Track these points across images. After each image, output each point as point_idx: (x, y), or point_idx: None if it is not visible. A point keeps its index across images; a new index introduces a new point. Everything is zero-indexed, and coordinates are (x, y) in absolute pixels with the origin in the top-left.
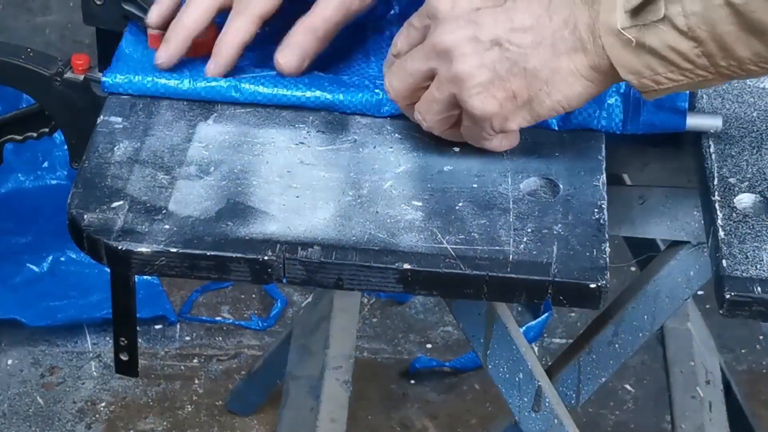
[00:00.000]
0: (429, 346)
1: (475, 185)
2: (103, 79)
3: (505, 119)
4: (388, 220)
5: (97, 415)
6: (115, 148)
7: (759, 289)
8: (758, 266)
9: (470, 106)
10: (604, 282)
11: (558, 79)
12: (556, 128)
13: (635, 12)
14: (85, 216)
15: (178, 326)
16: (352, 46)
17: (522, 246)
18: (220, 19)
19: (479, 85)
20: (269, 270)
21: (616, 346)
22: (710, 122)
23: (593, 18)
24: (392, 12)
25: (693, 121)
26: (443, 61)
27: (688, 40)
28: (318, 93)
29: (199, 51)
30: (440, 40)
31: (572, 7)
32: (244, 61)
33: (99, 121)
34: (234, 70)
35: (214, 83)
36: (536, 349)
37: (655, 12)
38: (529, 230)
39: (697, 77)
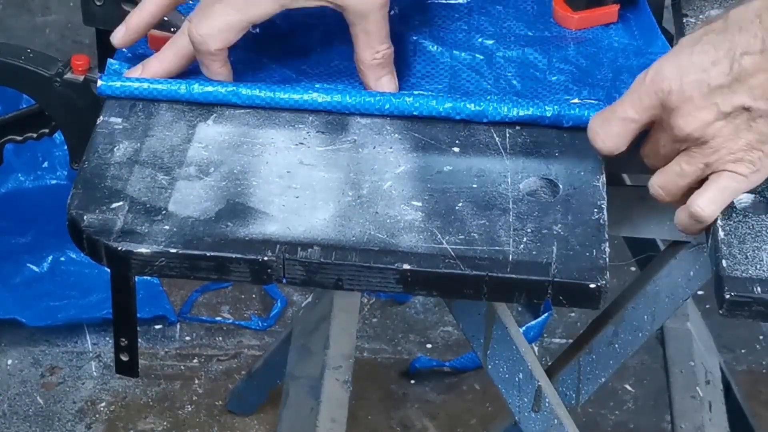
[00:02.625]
0: (429, 346)
1: (474, 185)
2: (99, 83)
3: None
4: (388, 221)
5: (97, 415)
6: (115, 149)
7: (759, 289)
8: (758, 266)
9: (731, 171)
10: (604, 282)
11: None
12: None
13: None
14: (85, 217)
15: (178, 326)
16: (350, 47)
17: (522, 246)
18: None
19: (740, 153)
20: (269, 270)
21: (616, 346)
22: None
23: None
24: (392, 12)
25: None
26: (698, 145)
27: None
28: (316, 95)
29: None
30: (689, 131)
31: None
32: (242, 64)
33: (99, 121)
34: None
35: (210, 88)
36: (536, 349)
37: None
38: (529, 230)
39: None
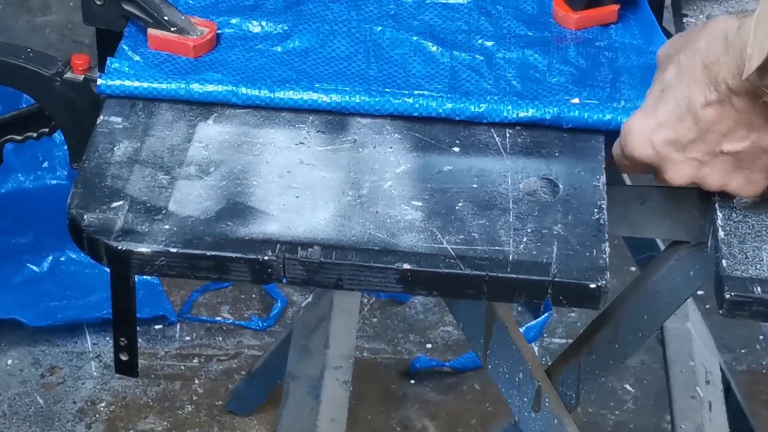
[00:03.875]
0: (429, 346)
1: (475, 185)
2: (99, 82)
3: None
4: (388, 220)
5: (97, 415)
6: (115, 148)
7: (759, 289)
8: (758, 266)
9: (743, 195)
10: (604, 282)
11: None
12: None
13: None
14: (85, 216)
15: (178, 326)
16: (350, 47)
17: (522, 246)
18: (219, 17)
19: (739, 183)
20: (269, 270)
21: (616, 346)
22: None
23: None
24: (391, 13)
25: None
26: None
27: None
28: (316, 96)
29: (197, 52)
30: (677, 184)
31: (747, 90)
32: (242, 63)
33: (99, 121)
34: (231, 75)
35: (210, 87)
36: (536, 349)
37: None
38: (529, 230)
39: None
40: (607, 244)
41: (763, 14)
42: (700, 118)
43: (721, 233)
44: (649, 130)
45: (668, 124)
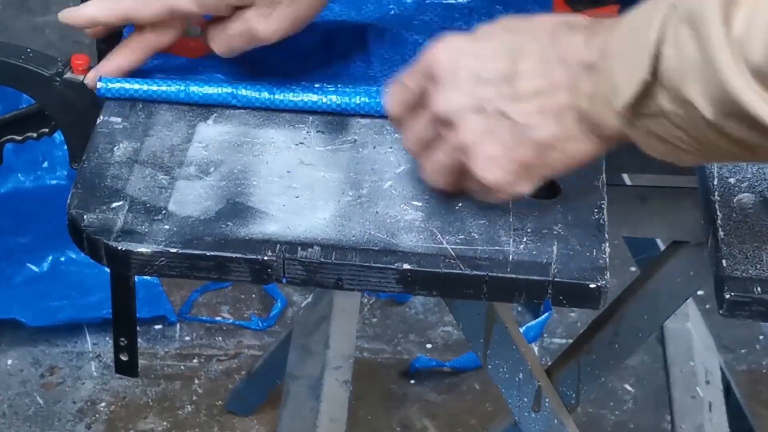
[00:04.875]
0: (429, 346)
1: None
2: (98, 85)
3: (515, 185)
4: (388, 220)
5: (97, 415)
6: (115, 149)
7: (759, 289)
8: (758, 266)
9: (480, 177)
10: (604, 282)
11: (567, 145)
12: None
13: (633, 106)
14: (85, 216)
15: (178, 326)
16: (350, 47)
17: (522, 246)
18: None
19: (488, 158)
20: (269, 270)
21: (616, 346)
22: None
23: (596, 94)
24: (391, 13)
25: None
26: (449, 130)
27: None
28: (315, 97)
29: (194, 53)
30: (443, 110)
31: (574, 78)
32: (242, 64)
33: (99, 121)
34: (231, 75)
35: (209, 89)
36: (536, 349)
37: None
38: (529, 230)
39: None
40: (607, 244)
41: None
42: (513, 65)
43: (721, 233)
44: (462, 50)
45: (482, 56)
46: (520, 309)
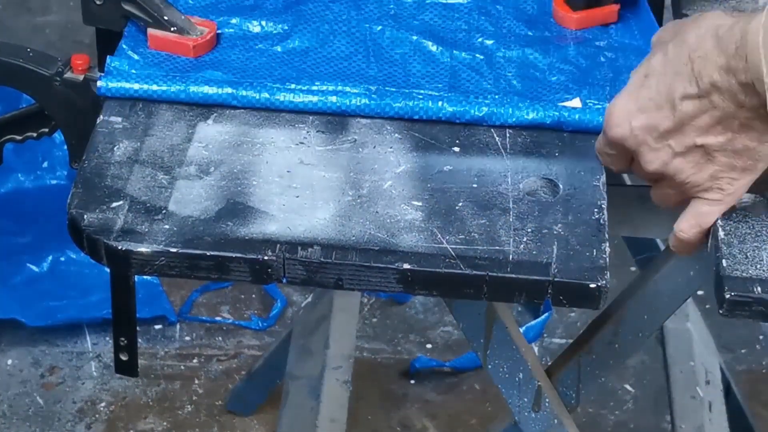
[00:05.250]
0: (429, 346)
1: (475, 185)
2: (99, 83)
3: (741, 190)
4: (388, 220)
5: (97, 415)
6: (115, 148)
7: (759, 289)
8: (758, 266)
9: (711, 201)
10: (604, 282)
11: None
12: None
13: None
14: (85, 216)
15: (178, 326)
16: (350, 47)
17: (522, 246)
18: (219, 17)
19: (711, 181)
20: (269, 270)
21: (616, 346)
22: None
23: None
24: (391, 13)
25: None
26: (666, 180)
27: None
28: (315, 98)
29: (197, 52)
30: (651, 171)
31: (729, 90)
32: (242, 63)
33: (99, 121)
34: (231, 75)
35: (209, 89)
36: (536, 349)
37: None
38: (529, 230)
39: None
40: (607, 244)
41: None
42: (677, 109)
43: (721, 233)
44: (628, 113)
45: (647, 110)
46: (520, 309)
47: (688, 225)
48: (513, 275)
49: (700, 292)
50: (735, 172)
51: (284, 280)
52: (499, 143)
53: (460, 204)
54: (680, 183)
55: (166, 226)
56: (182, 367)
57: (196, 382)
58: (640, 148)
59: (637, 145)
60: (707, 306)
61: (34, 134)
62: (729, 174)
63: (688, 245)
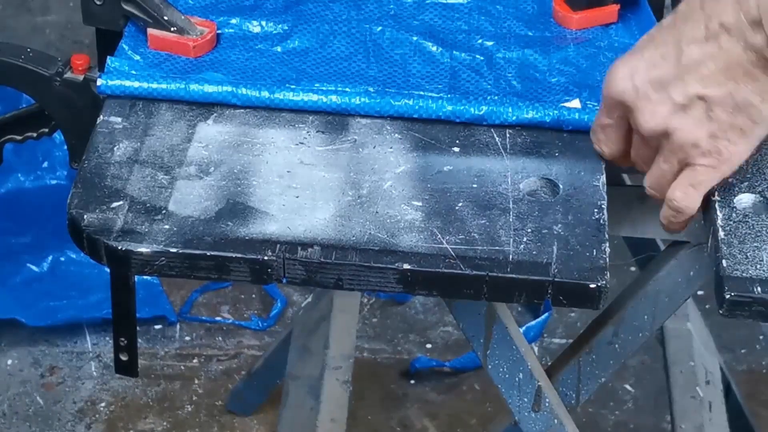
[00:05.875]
0: (429, 346)
1: (475, 185)
2: (99, 82)
3: (741, 151)
4: (388, 220)
5: (97, 415)
6: (115, 148)
7: (759, 289)
8: (758, 266)
9: (708, 158)
10: (604, 282)
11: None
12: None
13: None
14: (85, 216)
15: (178, 326)
16: (350, 47)
17: (522, 246)
18: (219, 17)
19: (710, 139)
20: (269, 270)
21: (616, 346)
22: None
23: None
24: (391, 13)
25: None
26: (666, 139)
27: None
28: (315, 97)
29: (197, 52)
30: (651, 127)
31: (738, 28)
32: (242, 63)
33: (99, 121)
34: (231, 75)
35: (209, 88)
36: (536, 349)
37: None
38: (529, 230)
39: None
40: (607, 244)
41: None
42: (684, 54)
43: (721, 233)
44: (631, 68)
45: (652, 61)
46: (520, 309)
47: (683, 192)
48: (513, 275)
49: (700, 292)
50: (734, 133)
51: (284, 281)
52: (499, 143)
53: (460, 204)
54: (678, 146)
55: (166, 226)
56: (182, 367)
57: (196, 382)
58: (639, 103)
59: (637, 99)
60: (707, 306)
61: (34, 134)
62: (727, 134)
63: (680, 216)
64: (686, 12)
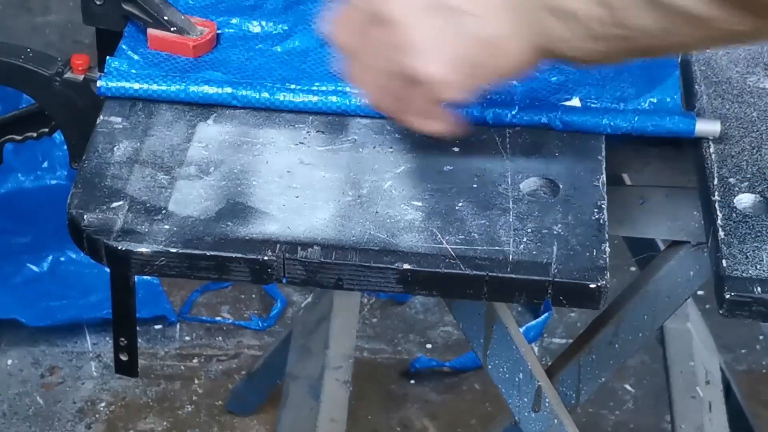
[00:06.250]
0: (429, 346)
1: (475, 185)
2: (99, 83)
3: (459, 85)
4: (388, 220)
5: (97, 415)
6: (115, 148)
7: (759, 289)
8: (758, 266)
9: (424, 72)
10: (604, 282)
11: (509, 44)
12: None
13: None
14: (85, 216)
15: (178, 326)
16: None
17: (522, 246)
18: (219, 17)
19: (434, 52)
20: (269, 270)
21: (616, 346)
22: (708, 128)
23: None
24: None
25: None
26: (388, 29)
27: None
28: (315, 98)
29: (197, 52)
30: (387, 7)
31: None
32: (242, 63)
33: (99, 121)
34: (231, 75)
35: (208, 89)
36: (536, 349)
37: None
38: (529, 230)
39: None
40: (607, 244)
41: None
42: None
43: (721, 233)
44: None
45: None
46: (520, 309)
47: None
48: (513, 275)
49: (700, 292)
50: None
51: (284, 280)
52: (498, 143)
53: (460, 204)
54: (403, 40)
55: (166, 226)
56: (182, 367)
57: (196, 382)
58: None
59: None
60: (707, 306)
61: (34, 134)
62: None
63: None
64: None
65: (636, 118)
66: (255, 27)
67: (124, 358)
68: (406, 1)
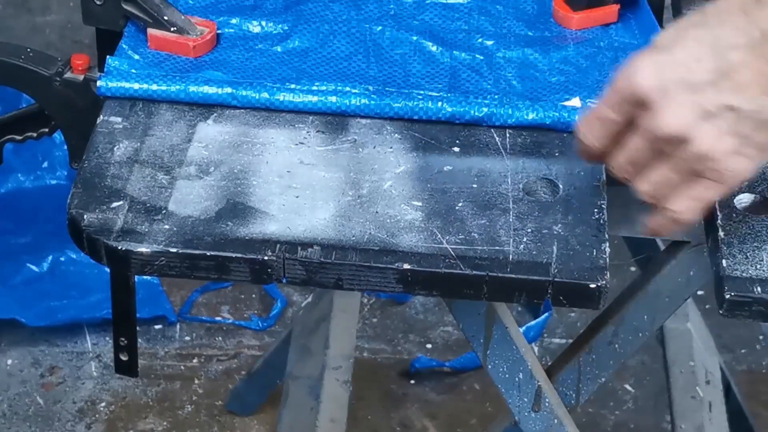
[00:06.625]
0: (429, 346)
1: (475, 185)
2: (98, 84)
3: (752, 169)
4: (388, 220)
5: (97, 415)
6: (115, 148)
7: (759, 289)
8: (758, 266)
9: (728, 173)
10: (604, 282)
11: None
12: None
13: None
14: (85, 216)
15: (178, 326)
16: (350, 47)
17: (522, 246)
18: (219, 17)
19: (732, 154)
20: (269, 270)
21: (616, 346)
22: None
23: None
24: (391, 13)
25: None
26: (681, 146)
27: None
28: (315, 98)
29: (197, 52)
30: (672, 129)
31: None
32: (242, 63)
33: (99, 121)
34: (231, 75)
35: (208, 89)
36: (536, 349)
37: None
38: (529, 230)
39: None
40: (607, 244)
41: None
42: (722, 60)
43: (721, 233)
44: (661, 65)
45: (685, 62)
46: (520, 309)
47: (686, 205)
48: (513, 275)
49: (700, 292)
50: (752, 149)
51: (284, 280)
52: (499, 143)
53: (460, 204)
54: (694, 155)
55: (166, 226)
56: (182, 367)
57: (196, 382)
58: (664, 103)
59: (662, 98)
60: (707, 306)
61: (34, 134)
62: (746, 151)
63: (675, 227)
64: (722, 13)
65: None
66: (255, 27)
67: (124, 358)
68: (687, 114)
